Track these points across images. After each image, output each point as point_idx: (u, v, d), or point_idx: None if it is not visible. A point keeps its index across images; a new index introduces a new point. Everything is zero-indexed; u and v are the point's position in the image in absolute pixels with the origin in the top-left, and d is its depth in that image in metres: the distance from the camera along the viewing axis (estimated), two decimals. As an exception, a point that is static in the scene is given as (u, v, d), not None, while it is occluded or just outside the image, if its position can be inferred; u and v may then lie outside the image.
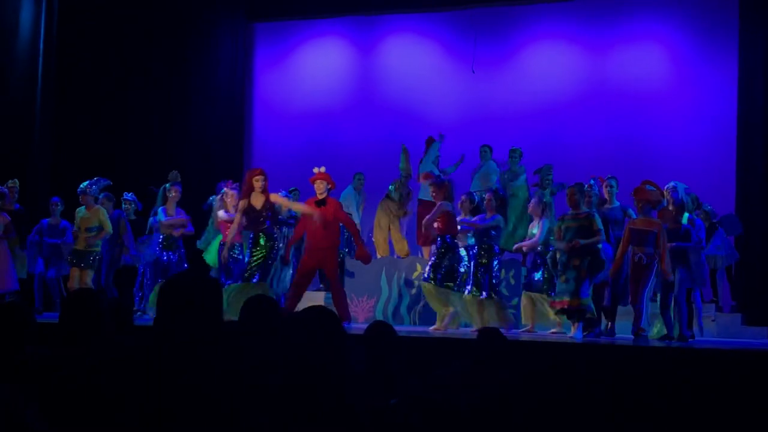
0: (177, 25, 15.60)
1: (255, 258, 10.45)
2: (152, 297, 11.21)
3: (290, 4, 15.63)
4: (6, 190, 12.06)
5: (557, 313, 9.97)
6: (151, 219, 12.05)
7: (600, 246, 9.76)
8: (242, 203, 10.55)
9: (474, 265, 10.37)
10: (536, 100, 14.30)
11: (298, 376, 2.89)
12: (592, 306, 9.76)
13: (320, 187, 10.51)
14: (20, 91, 14.72)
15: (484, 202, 10.60)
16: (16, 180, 12.50)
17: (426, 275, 10.54)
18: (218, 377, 2.95)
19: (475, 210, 10.62)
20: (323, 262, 10.54)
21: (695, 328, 10.12)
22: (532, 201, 10.98)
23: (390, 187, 12.89)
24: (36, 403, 2.90)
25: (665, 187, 10.03)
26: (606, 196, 10.53)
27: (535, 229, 10.68)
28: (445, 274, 10.45)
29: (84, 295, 4.03)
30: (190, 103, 15.52)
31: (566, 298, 9.67)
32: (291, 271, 11.16)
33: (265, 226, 10.47)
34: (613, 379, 7.74)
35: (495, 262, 10.41)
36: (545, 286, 10.54)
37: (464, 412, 3.03)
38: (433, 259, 10.60)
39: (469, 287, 10.34)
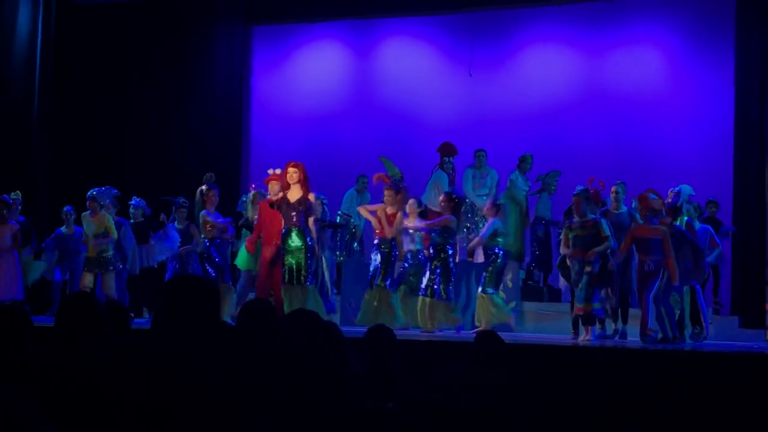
0: (175, 28, 15.59)
1: (300, 258, 10.42)
2: None
3: (288, 8, 15.61)
4: (10, 199, 12.10)
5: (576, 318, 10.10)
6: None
7: (609, 251, 9.87)
8: (279, 197, 10.53)
9: (428, 267, 10.61)
10: (533, 103, 14.29)
11: (298, 377, 2.89)
12: (602, 311, 9.90)
13: (274, 188, 10.50)
14: (18, 91, 14.72)
15: (441, 204, 10.83)
16: (19, 192, 12.54)
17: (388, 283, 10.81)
18: (218, 377, 2.95)
19: (422, 214, 11.01)
20: (275, 257, 10.45)
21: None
22: (487, 203, 11.18)
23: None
24: (36, 403, 2.90)
25: (669, 191, 10.18)
26: (613, 201, 10.60)
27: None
28: (395, 277, 10.87)
29: (79, 298, 4.03)
30: (189, 106, 15.51)
31: (580, 305, 9.82)
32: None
33: (299, 221, 10.41)
34: (610, 381, 7.75)
35: (450, 264, 10.62)
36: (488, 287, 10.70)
37: (464, 412, 3.03)
38: (380, 264, 10.87)
39: (422, 290, 10.56)
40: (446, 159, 12.78)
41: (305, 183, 10.42)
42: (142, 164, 14.93)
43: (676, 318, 9.88)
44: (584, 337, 9.83)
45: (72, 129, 15.37)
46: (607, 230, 9.86)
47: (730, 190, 12.46)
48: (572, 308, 10.21)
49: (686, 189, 10.60)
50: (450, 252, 10.65)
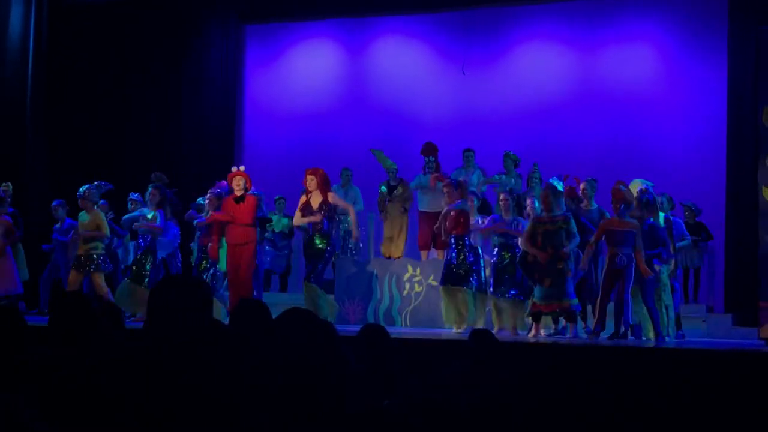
0: (168, 27, 15.58)
1: (318, 259, 10.65)
2: None
3: (281, 6, 15.62)
4: (2, 192, 12.06)
5: (547, 315, 10.01)
6: (168, 222, 12.16)
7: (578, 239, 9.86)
8: (301, 200, 10.83)
9: (495, 266, 10.46)
10: (527, 101, 14.31)
11: (298, 376, 2.89)
12: (579, 305, 9.89)
13: (239, 184, 10.75)
14: (14, 91, 14.71)
15: (500, 203, 10.62)
16: (9, 184, 12.47)
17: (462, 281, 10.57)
18: (218, 377, 2.95)
19: (482, 209, 10.71)
20: (240, 258, 10.65)
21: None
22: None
23: (382, 187, 12.83)
24: (36, 404, 2.89)
25: (638, 188, 10.12)
26: (583, 197, 10.55)
27: None
28: (464, 275, 10.52)
29: (73, 298, 4.01)
30: (182, 104, 15.51)
31: (555, 302, 9.74)
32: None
33: (322, 226, 10.62)
34: (608, 380, 7.76)
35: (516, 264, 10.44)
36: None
37: (464, 412, 3.04)
38: (455, 262, 10.57)
39: (491, 288, 10.42)
40: (428, 158, 12.76)
41: (323, 187, 10.66)
42: (136, 163, 14.89)
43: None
44: (569, 334, 9.81)
45: (67, 129, 15.37)
46: (574, 227, 9.83)
47: (723, 186, 12.50)
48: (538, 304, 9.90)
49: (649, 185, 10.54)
50: (518, 251, 10.45)
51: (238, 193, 10.72)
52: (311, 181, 10.66)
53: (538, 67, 14.37)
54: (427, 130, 13.84)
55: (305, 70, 15.64)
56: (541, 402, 6.37)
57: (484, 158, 13.03)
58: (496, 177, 12.58)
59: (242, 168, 11.04)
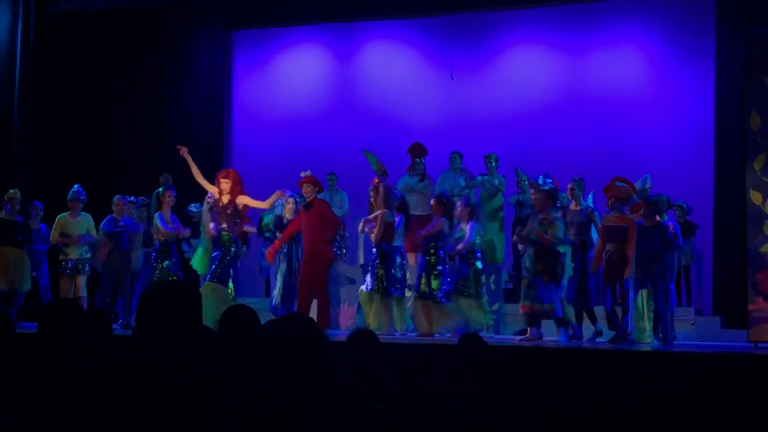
0: (156, 33, 15.57)
1: (225, 258, 10.71)
2: None
3: (269, 12, 15.60)
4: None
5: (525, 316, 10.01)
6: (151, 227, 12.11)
7: (560, 250, 9.81)
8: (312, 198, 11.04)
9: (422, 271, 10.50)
10: (515, 105, 14.32)
11: (288, 379, 2.89)
12: (561, 309, 9.79)
13: (307, 190, 10.76)
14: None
15: (430, 208, 10.71)
16: (17, 190, 12.13)
17: (371, 286, 10.59)
18: (206, 381, 2.95)
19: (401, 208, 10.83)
20: (313, 266, 10.71)
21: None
22: (459, 204, 10.86)
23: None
24: (24, 412, 2.88)
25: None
26: (571, 197, 10.53)
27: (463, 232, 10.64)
28: (389, 281, 10.54)
29: (62, 304, 3.99)
30: (170, 111, 15.49)
31: (527, 303, 9.73)
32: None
33: (230, 226, 10.75)
34: (593, 382, 7.77)
35: (440, 267, 10.43)
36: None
37: (455, 415, 3.04)
38: (374, 269, 10.65)
39: (414, 292, 10.47)
40: (417, 160, 12.75)
41: (235, 190, 10.74)
42: (124, 169, 14.89)
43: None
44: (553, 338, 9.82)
45: (54, 135, 15.34)
46: (559, 232, 9.80)
47: (711, 190, 12.52)
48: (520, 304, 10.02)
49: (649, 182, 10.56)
50: (441, 255, 10.54)
51: (309, 199, 10.87)
52: (225, 184, 10.75)
53: (526, 72, 14.39)
54: (416, 135, 13.82)
55: (294, 75, 15.63)
56: (530, 405, 6.38)
57: (472, 162, 13.04)
58: (479, 179, 12.59)
59: (308, 172, 11.11)
